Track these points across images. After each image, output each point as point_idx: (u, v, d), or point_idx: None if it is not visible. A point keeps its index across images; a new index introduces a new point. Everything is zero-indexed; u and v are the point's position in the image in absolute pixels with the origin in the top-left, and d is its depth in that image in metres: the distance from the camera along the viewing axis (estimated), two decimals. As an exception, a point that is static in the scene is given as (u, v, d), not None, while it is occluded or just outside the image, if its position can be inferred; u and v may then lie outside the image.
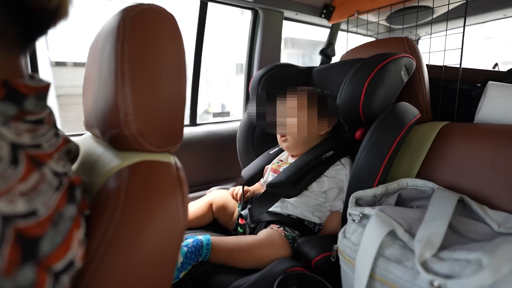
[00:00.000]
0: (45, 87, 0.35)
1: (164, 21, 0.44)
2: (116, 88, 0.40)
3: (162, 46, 0.43)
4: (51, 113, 0.36)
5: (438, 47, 1.03)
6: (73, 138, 0.69)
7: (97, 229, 0.35)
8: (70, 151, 0.38)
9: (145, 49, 0.41)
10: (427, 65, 0.96)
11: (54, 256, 0.27)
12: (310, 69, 1.16)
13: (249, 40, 1.41)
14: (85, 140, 0.60)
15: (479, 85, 1.02)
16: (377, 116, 0.75)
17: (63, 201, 0.30)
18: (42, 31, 0.36)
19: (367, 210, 0.58)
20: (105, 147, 0.50)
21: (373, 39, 1.19)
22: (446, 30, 1.00)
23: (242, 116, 1.19)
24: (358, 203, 0.66)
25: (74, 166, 0.52)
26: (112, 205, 0.36)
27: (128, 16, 0.41)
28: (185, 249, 0.68)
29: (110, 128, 0.43)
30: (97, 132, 0.50)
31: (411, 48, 0.89)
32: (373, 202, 0.68)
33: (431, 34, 1.11)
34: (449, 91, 1.02)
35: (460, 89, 0.98)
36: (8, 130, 0.28)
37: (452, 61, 1.00)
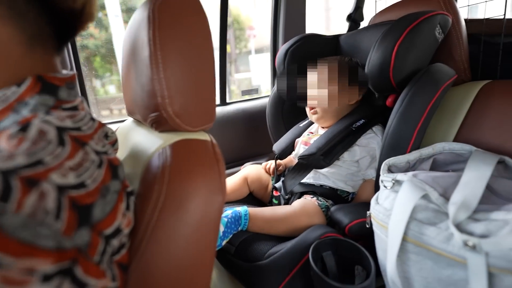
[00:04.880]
0: (72, 76, 0.39)
1: (190, 5, 0.46)
2: (152, 74, 0.43)
3: (190, 30, 0.45)
4: (82, 101, 0.41)
5: (479, -1, 0.94)
6: (117, 124, 0.75)
7: (149, 201, 0.40)
8: (107, 134, 0.43)
9: (175, 35, 0.44)
10: (465, 20, 0.89)
11: (105, 223, 0.32)
12: (337, 37, 1.12)
13: (272, 12, 1.39)
14: (128, 125, 0.66)
15: (528, 36, 0.93)
16: (409, 80, 0.73)
17: (108, 177, 0.35)
18: (72, 32, 0.41)
19: (400, 176, 0.59)
20: (147, 130, 0.55)
21: (405, -2, 1.11)
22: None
23: (271, 92, 1.20)
24: (390, 170, 0.66)
25: (122, 147, 0.58)
26: (160, 180, 0.41)
27: (156, 5, 0.43)
28: (225, 219, 0.73)
29: (151, 112, 0.47)
30: (139, 117, 0.54)
31: (446, 3, 0.83)
32: (406, 168, 0.68)
33: (470, -16, 1.01)
34: (491, 46, 0.94)
35: (504, 43, 0.90)
36: (52, 117, 0.32)
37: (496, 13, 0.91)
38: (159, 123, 0.48)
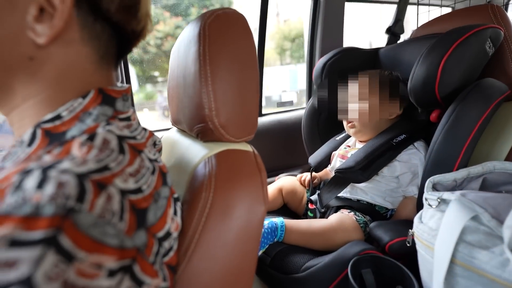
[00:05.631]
0: (127, 89, 0.43)
1: (237, 23, 0.48)
2: (200, 87, 0.46)
3: (237, 46, 0.48)
4: (134, 112, 0.44)
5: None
6: (162, 132, 0.79)
7: (196, 207, 0.42)
8: (155, 142, 0.46)
9: (223, 50, 0.47)
10: (518, 32, 0.84)
11: (157, 226, 0.35)
12: (376, 50, 1.11)
13: (310, 25, 1.40)
14: (173, 134, 0.69)
15: None
16: (456, 96, 0.70)
17: (159, 183, 0.37)
18: (129, 49, 0.45)
19: (446, 195, 0.56)
20: (191, 139, 0.58)
21: (449, 10, 1.08)
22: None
23: (306, 104, 1.20)
24: (435, 188, 0.64)
25: (167, 155, 0.62)
26: (207, 188, 0.43)
27: (207, 22, 0.46)
28: (262, 229, 0.74)
29: (197, 123, 0.50)
30: (185, 127, 0.57)
31: (497, 15, 0.79)
32: (453, 187, 0.64)
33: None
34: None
35: None
36: (113, 127, 0.35)
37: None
38: (204, 133, 0.51)
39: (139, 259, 0.30)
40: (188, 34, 0.51)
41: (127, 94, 0.43)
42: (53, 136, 0.35)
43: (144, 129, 0.43)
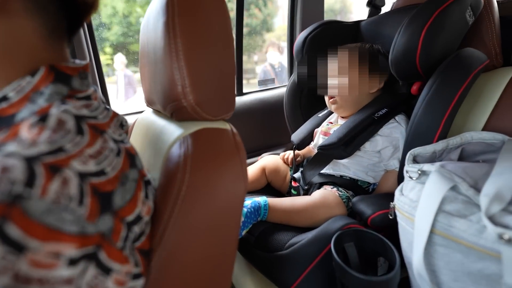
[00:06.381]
0: (85, 66, 0.39)
1: None
2: (171, 63, 0.43)
3: (209, 17, 0.44)
4: (95, 91, 0.41)
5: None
6: (136, 115, 0.76)
7: (171, 190, 0.40)
8: (122, 123, 0.43)
9: (194, 22, 0.43)
10: (498, 1, 0.83)
11: (126, 210, 0.33)
12: (357, 23, 1.08)
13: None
14: (148, 115, 0.66)
15: None
16: (436, 67, 0.69)
17: (126, 165, 0.35)
18: (81, 22, 0.41)
19: (426, 167, 0.56)
20: (167, 120, 0.55)
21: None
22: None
23: (288, 81, 1.18)
24: (415, 160, 0.64)
25: (143, 138, 0.59)
26: (182, 169, 0.41)
27: None
28: (245, 209, 0.73)
29: (170, 102, 0.47)
30: (159, 107, 0.54)
31: None
32: (433, 159, 0.65)
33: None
34: (525, 29, 0.88)
35: (540, 25, 0.84)
36: (69, 106, 0.32)
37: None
38: (179, 112, 0.48)
39: (105, 245, 0.28)
40: (156, 5, 0.47)
41: (85, 72, 0.39)
42: (0, 120, 0.32)
43: (107, 109, 0.40)
